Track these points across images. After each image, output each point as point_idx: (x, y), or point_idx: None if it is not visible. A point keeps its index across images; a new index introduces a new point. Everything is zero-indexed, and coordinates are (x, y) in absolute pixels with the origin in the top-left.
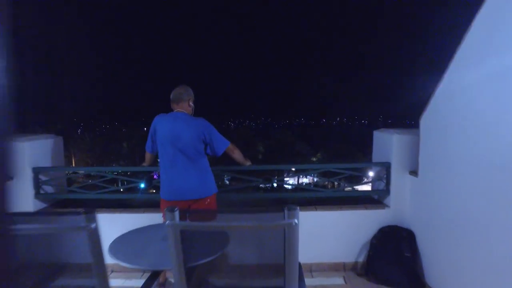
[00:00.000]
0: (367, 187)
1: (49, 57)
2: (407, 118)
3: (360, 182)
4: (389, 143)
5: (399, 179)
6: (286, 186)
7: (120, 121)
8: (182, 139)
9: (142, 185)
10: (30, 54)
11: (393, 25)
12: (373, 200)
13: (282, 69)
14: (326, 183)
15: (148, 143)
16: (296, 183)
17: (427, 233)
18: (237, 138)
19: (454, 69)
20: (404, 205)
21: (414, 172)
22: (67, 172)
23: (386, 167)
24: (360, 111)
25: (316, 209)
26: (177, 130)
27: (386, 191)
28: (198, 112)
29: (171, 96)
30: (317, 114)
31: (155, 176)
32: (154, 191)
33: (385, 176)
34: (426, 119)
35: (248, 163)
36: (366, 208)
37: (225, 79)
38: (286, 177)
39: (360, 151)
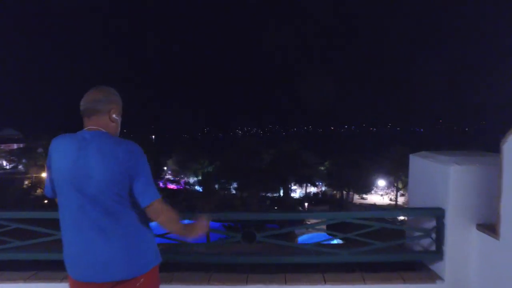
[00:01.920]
0: (377, 197)
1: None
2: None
3: (369, 190)
4: (441, 178)
5: (460, 236)
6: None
7: (127, 128)
8: (94, 180)
9: None
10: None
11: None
12: (414, 265)
13: (291, 75)
14: (335, 192)
15: (47, 184)
16: (304, 192)
17: None
18: (243, 148)
19: None
20: (467, 278)
21: (487, 227)
22: None
23: (436, 216)
24: (368, 117)
25: (324, 281)
26: (84, 164)
27: (437, 253)
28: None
29: (81, 104)
30: (325, 121)
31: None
32: None
33: (434, 229)
34: None
35: (192, 235)
36: (405, 281)
37: (233, 86)
38: (293, 186)
39: (369, 160)
